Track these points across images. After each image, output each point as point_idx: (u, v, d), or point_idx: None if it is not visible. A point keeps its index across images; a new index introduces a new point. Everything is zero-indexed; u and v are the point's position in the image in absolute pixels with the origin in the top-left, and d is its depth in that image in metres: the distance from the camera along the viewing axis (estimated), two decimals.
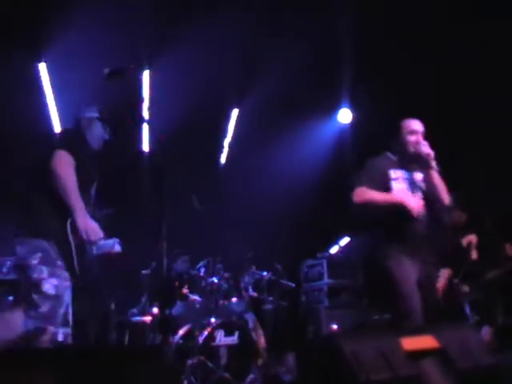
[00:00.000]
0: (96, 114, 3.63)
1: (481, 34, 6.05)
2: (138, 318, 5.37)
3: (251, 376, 4.61)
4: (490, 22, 5.99)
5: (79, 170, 3.30)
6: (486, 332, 4.93)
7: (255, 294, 5.74)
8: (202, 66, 6.74)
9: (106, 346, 3.15)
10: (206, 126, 7.37)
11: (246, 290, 5.65)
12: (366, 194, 3.73)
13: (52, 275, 3.14)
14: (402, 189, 3.81)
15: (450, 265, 5.28)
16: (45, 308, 3.11)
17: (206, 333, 4.63)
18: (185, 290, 5.38)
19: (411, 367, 2.08)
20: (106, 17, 6.06)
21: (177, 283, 5.41)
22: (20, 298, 3.39)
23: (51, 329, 3.14)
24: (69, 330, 3.30)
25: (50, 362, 1.92)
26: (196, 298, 5.31)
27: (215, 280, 5.21)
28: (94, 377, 1.95)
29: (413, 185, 3.86)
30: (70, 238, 3.21)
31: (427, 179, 3.88)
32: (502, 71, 6.04)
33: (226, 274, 5.42)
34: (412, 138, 3.85)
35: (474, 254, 5.32)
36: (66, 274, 3.20)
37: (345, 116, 8.04)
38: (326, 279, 6.72)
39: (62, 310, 3.19)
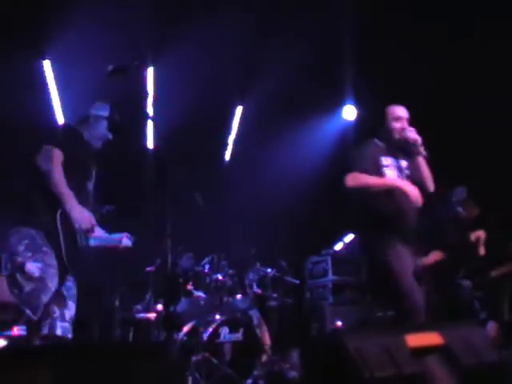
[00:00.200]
0: (105, 114, 3.63)
1: (480, 34, 6.05)
2: (142, 315, 5.38)
3: (255, 372, 4.62)
4: (490, 22, 5.98)
5: (72, 165, 3.33)
6: (492, 328, 4.92)
7: (260, 291, 5.74)
8: (205, 63, 6.74)
9: (110, 343, 3.15)
10: (210, 123, 7.37)
11: (251, 286, 5.65)
12: (360, 178, 3.67)
13: (36, 259, 3.19)
14: (393, 174, 3.78)
15: (456, 257, 5.29)
16: (27, 288, 3.16)
17: (210, 329, 4.63)
18: (189, 287, 5.39)
19: (416, 364, 2.08)
20: (109, 14, 6.07)
21: (181, 280, 5.42)
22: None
23: (29, 313, 3.18)
24: (67, 325, 3.30)
25: (53, 359, 1.92)
26: (200, 294, 5.32)
27: (220, 277, 5.21)
28: (98, 374, 1.95)
29: (401, 172, 3.84)
30: (59, 228, 3.23)
31: (413, 166, 3.85)
32: (502, 71, 6.02)
33: (231, 271, 5.42)
34: (397, 125, 3.83)
35: (482, 250, 5.30)
36: (53, 262, 3.22)
37: (349, 113, 8.03)
38: (330, 276, 6.71)
39: (44, 298, 3.19)
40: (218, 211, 6.26)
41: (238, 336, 4.75)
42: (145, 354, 2.10)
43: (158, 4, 6.41)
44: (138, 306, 5.55)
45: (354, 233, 7.38)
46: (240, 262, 5.81)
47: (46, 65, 6.54)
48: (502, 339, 4.80)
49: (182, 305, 5.24)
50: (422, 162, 3.82)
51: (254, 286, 5.69)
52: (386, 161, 3.80)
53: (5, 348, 3.96)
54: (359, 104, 7.90)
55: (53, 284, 3.24)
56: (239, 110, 7.91)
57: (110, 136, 3.67)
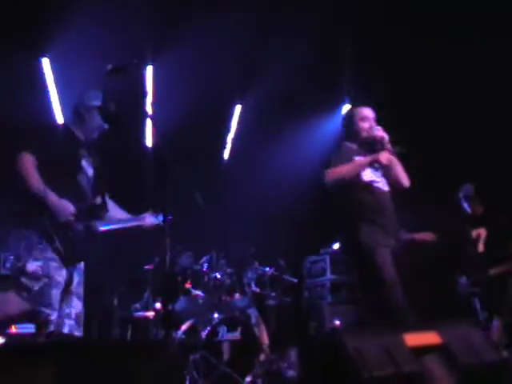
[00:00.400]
0: (97, 103, 3.58)
1: (481, 33, 6.05)
2: (140, 314, 5.39)
3: (254, 371, 4.62)
4: (490, 22, 5.99)
5: (54, 163, 3.36)
6: (496, 326, 4.93)
7: (258, 290, 5.74)
8: (205, 62, 6.74)
9: (109, 341, 3.16)
10: (209, 122, 7.37)
11: (249, 285, 5.65)
12: (335, 171, 3.75)
13: (35, 258, 3.25)
14: (368, 173, 3.84)
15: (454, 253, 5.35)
16: (36, 288, 3.22)
17: (208, 328, 4.64)
18: (188, 285, 5.39)
19: (414, 363, 2.08)
20: (109, 13, 6.06)
21: (180, 278, 5.42)
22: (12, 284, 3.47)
23: (45, 310, 3.20)
24: (73, 323, 3.33)
25: (53, 357, 1.92)
26: (199, 293, 5.32)
27: (218, 275, 5.22)
28: (97, 372, 1.95)
29: (375, 171, 3.89)
30: (47, 222, 3.29)
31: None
32: (502, 71, 6.03)
33: (229, 270, 5.42)
34: (365, 125, 3.92)
35: (481, 247, 5.35)
36: (52, 255, 3.27)
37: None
38: (328, 275, 6.71)
39: (55, 291, 3.24)
40: (217, 210, 6.26)
41: (237, 335, 4.75)
42: (144, 353, 2.10)
43: (158, 4, 6.40)
44: (137, 305, 5.55)
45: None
46: (239, 260, 5.81)
47: (45, 63, 6.53)
48: (506, 339, 4.82)
49: (181, 303, 5.24)
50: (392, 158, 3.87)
51: (253, 285, 5.70)
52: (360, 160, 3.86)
53: (4, 346, 3.96)
54: (358, 104, 7.90)
55: (61, 276, 3.29)
56: (238, 108, 7.91)
57: (106, 126, 3.62)
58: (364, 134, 3.91)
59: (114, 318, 5.31)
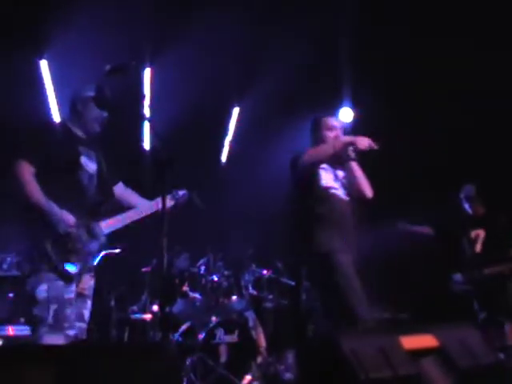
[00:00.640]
0: (91, 94, 3.46)
1: (481, 32, 6.05)
2: (138, 316, 5.38)
3: (251, 374, 4.62)
4: (491, 20, 5.99)
5: (51, 166, 3.24)
6: (509, 329, 4.93)
7: (255, 292, 5.74)
8: (203, 64, 6.74)
9: (106, 343, 3.13)
10: (207, 124, 7.37)
11: (247, 288, 5.65)
12: (313, 151, 3.77)
13: (41, 281, 3.07)
14: (329, 177, 3.85)
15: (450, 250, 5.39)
16: (49, 316, 3.03)
17: (206, 330, 4.63)
18: (185, 288, 5.39)
19: (411, 366, 2.08)
20: (107, 14, 6.06)
21: (177, 281, 5.41)
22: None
23: (70, 332, 3.10)
24: (84, 325, 3.26)
25: (51, 359, 1.92)
26: (196, 295, 5.31)
27: (215, 278, 5.22)
28: (94, 374, 1.95)
29: (337, 178, 3.90)
30: (42, 235, 3.14)
31: (349, 174, 3.90)
32: (503, 70, 6.03)
33: (227, 272, 5.42)
34: (331, 134, 3.92)
35: (478, 247, 5.37)
36: (52, 275, 3.11)
37: (346, 115, 8.04)
38: None
39: (69, 310, 3.11)
40: (215, 212, 6.26)
41: (234, 337, 4.75)
42: (142, 354, 2.09)
43: (157, 4, 6.40)
44: (134, 307, 5.54)
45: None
46: (236, 263, 5.81)
47: (44, 64, 6.54)
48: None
49: (178, 306, 5.24)
50: (355, 167, 3.88)
51: (250, 288, 5.70)
52: (323, 164, 3.87)
53: (3, 346, 3.94)
54: (356, 106, 7.91)
55: (72, 293, 3.16)
56: (236, 110, 7.92)
57: (105, 114, 3.49)
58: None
59: (111, 319, 5.30)
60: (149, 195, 3.69)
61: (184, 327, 4.81)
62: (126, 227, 3.57)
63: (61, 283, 3.11)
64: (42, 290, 3.06)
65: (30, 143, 3.38)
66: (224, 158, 7.99)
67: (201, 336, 4.58)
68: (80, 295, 3.27)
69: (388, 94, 6.83)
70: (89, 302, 3.35)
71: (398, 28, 6.59)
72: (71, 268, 3.17)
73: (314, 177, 3.80)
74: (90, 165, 3.47)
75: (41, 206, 3.17)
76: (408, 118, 6.74)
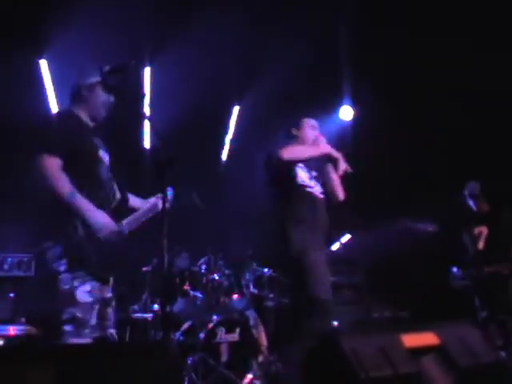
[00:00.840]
0: (97, 79, 3.28)
1: (481, 32, 6.06)
2: (139, 315, 5.38)
3: (252, 373, 4.62)
4: (491, 20, 5.99)
5: (75, 159, 3.03)
6: None
7: (256, 291, 5.74)
8: (203, 64, 6.74)
9: (108, 342, 3.13)
10: (207, 123, 7.37)
11: (247, 286, 5.65)
12: (296, 149, 3.83)
13: (83, 282, 2.92)
14: (305, 176, 3.92)
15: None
16: (93, 318, 2.92)
17: (207, 330, 4.63)
18: (186, 287, 5.39)
19: (411, 364, 2.08)
20: (107, 14, 6.06)
21: (178, 280, 5.42)
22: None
23: (110, 331, 3.04)
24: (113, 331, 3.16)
25: (53, 358, 1.92)
26: (197, 294, 5.31)
27: (216, 277, 5.22)
28: (96, 373, 1.95)
29: (312, 178, 3.98)
30: (84, 240, 2.97)
31: (324, 175, 4.01)
32: (503, 70, 6.04)
33: (227, 271, 5.42)
34: (313, 133, 4.04)
35: (481, 245, 5.38)
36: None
37: (346, 113, 8.05)
38: None
39: (109, 309, 3.07)
40: (215, 211, 6.27)
41: (235, 336, 4.75)
42: (143, 353, 2.10)
43: (157, 4, 6.40)
44: (135, 306, 5.54)
45: (350, 233, 7.39)
46: (236, 262, 5.81)
47: (43, 64, 6.54)
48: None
49: (179, 305, 5.24)
50: (331, 170, 3.99)
51: (251, 286, 5.69)
52: (300, 163, 3.93)
53: (5, 346, 3.93)
54: (356, 104, 7.91)
55: (109, 292, 3.10)
56: (236, 109, 7.92)
57: (112, 98, 3.33)
58: (311, 142, 4.01)
59: (112, 319, 5.30)
60: (149, 195, 3.67)
61: (185, 326, 4.81)
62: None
63: (99, 283, 3.01)
64: (85, 292, 2.92)
65: (51, 135, 3.10)
66: (224, 157, 7.99)
67: (202, 335, 4.58)
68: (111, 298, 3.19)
69: (388, 93, 6.83)
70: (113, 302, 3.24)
71: (398, 28, 6.59)
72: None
73: (291, 173, 3.85)
74: (105, 156, 3.31)
75: (76, 204, 2.94)
76: (408, 117, 6.74)
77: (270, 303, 5.88)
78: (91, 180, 3.11)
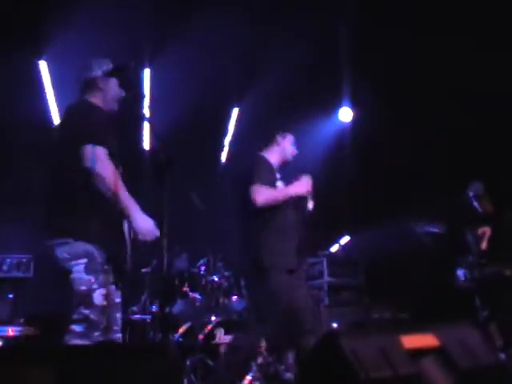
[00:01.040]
0: (112, 69, 3.18)
1: (481, 32, 6.05)
2: (138, 316, 5.37)
3: (251, 374, 4.61)
4: (491, 20, 5.99)
5: (111, 154, 2.99)
6: None
7: None
8: (203, 64, 6.74)
9: (107, 344, 3.13)
10: (207, 124, 7.37)
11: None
12: (268, 193, 3.81)
13: (100, 284, 2.86)
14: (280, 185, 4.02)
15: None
16: (105, 320, 2.88)
17: (206, 331, 4.63)
18: (185, 288, 5.38)
19: (411, 365, 2.07)
20: (107, 15, 6.07)
21: (177, 281, 5.41)
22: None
23: (117, 335, 3.01)
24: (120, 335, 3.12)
25: (51, 360, 1.91)
26: (196, 296, 5.31)
27: (215, 278, 5.21)
28: (95, 374, 1.94)
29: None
30: (128, 242, 2.97)
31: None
32: (503, 70, 6.03)
33: (227, 273, 5.41)
34: (293, 149, 4.20)
35: (484, 245, 5.37)
36: (111, 279, 2.97)
37: (345, 115, 8.05)
38: (326, 277, 6.71)
39: (118, 314, 3.05)
40: (214, 212, 6.26)
41: None
42: (143, 355, 2.09)
43: (157, 4, 6.41)
44: (134, 308, 5.54)
45: (350, 235, 7.39)
46: (236, 263, 5.80)
47: (43, 65, 6.54)
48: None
49: (178, 306, 5.24)
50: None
51: None
52: (278, 174, 4.06)
53: (4, 347, 3.92)
54: (356, 105, 7.92)
55: (119, 298, 3.08)
56: (235, 111, 7.92)
57: (123, 93, 3.25)
58: (289, 156, 4.17)
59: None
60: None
61: (184, 327, 4.80)
62: None
63: (113, 287, 3.00)
64: (101, 296, 2.87)
65: (98, 125, 2.98)
66: (224, 158, 7.99)
67: (201, 336, 4.58)
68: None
69: (388, 93, 6.83)
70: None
71: (398, 28, 6.59)
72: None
73: (271, 209, 3.84)
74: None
75: (126, 207, 2.89)
76: (408, 117, 6.74)
77: None
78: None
